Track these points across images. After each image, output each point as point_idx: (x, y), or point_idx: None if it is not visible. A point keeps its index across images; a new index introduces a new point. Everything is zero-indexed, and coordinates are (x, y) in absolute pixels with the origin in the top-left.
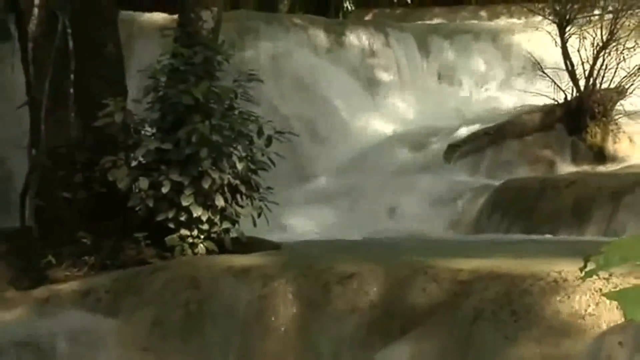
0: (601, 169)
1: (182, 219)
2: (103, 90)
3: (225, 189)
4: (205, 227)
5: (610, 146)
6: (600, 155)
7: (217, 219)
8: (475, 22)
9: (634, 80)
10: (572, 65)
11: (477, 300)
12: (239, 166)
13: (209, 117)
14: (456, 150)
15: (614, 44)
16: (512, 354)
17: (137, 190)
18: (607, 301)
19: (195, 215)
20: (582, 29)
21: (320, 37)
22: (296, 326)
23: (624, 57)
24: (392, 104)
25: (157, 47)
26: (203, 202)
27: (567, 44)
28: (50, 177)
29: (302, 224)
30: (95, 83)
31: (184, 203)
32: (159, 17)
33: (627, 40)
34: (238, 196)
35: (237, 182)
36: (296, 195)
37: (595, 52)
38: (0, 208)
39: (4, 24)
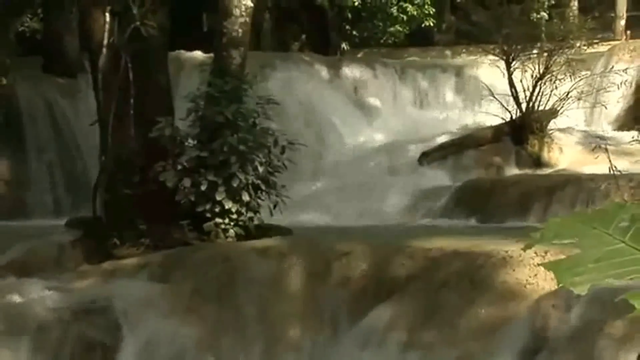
0: (539, 172)
1: (217, 210)
2: (156, 111)
3: (250, 187)
4: (235, 216)
5: (545, 154)
6: (538, 162)
7: (243, 210)
8: (442, 59)
9: (563, 104)
10: (517, 91)
11: (444, 272)
12: (260, 169)
13: (237, 132)
14: (428, 157)
15: (548, 75)
16: (470, 314)
17: (182, 188)
18: (544, 273)
19: (226, 207)
20: (524, 64)
21: (323, 70)
22: (304, 293)
23: (556, 86)
24: (378, 122)
25: (197, 78)
26: (233, 197)
27: (513, 76)
28: (115, 178)
29: (306, 213)
30: (150, 106)
31: (218, 198)
32: (198, 55)
33: (558, 73)
34: (259, 192)
35: (259, 181)
36: (301, 191)
37: (534, 81)
38: (78, 203)
39: (80, 61)
